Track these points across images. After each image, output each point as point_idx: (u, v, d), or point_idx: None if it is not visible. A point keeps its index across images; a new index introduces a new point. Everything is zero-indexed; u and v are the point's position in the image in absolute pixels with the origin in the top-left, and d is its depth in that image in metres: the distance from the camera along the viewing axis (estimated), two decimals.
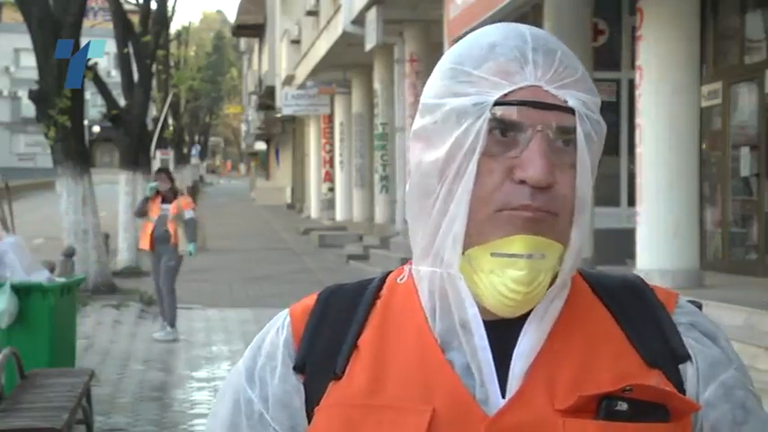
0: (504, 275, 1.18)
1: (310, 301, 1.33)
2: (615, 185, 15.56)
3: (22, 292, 8.33)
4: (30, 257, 8.98)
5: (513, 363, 1.20)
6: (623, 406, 1.17)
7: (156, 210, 12.36)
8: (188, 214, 12.47)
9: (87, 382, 7.32)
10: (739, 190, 12.92)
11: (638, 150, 11.42)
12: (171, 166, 31.33)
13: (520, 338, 1.20)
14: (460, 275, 1.20)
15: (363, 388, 1.22)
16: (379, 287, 1.31)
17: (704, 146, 12.68)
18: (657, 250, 11.12)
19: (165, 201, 12.37)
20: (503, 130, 1.18)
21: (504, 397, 1.19)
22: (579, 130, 1.18)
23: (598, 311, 1.25)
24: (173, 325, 12.28)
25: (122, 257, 19.72)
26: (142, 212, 12.61)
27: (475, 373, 1.20)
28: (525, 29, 1.24)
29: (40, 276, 8.64)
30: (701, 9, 11.62)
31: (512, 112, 1.18)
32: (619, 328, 1.24)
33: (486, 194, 1.18)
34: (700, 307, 1.33)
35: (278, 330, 1.32)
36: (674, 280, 10.84)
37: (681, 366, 1.23)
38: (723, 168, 12.98)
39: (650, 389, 1.17)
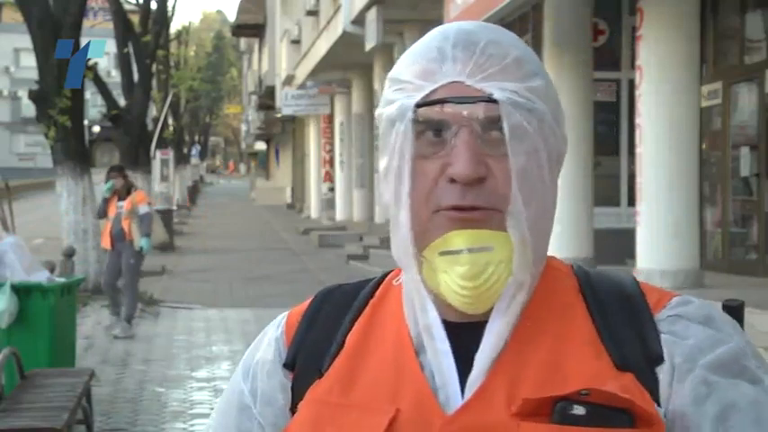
0: (452, 272, 1.18)
1: (308, 301, 1.35)
2: (615, 185, 15.56)
3: (22, 292, 8.33)
4: (30, 257, 8.97)
5: (474, 364, 1.18)
6: (580, 410, 1.13)
7: (113, 208, 12.26)
8: (143, 209, 12.31)
9: (87, 382, 7.32)
10: (739, 190, 12.92)
11: (638, 150, 11.42)
12: (171, 166, 31.33)
13: (483, 339, 1.19)
14: (419, 279, 1.21)
15: (337, 387, 1.23)
16: (375, 288, 1.32)
17: (704, 146, 12.68)
18: (657, 250, 11.12)
19: (120, 198, 12.28)
20: (435, 131, 1.18)
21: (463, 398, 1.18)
22: (504, 121, 1.16)
23: (576, 311, 1.22)
24: (129, 321, 12.25)
25: None
26: (102, 213, 12.48)
27: (436, 375, 1.19)
28: (454, 27, 1.23)
29: (40, 276, 8.64)
30: (701, 9, 11.62)
31: (434, 112, 1.18)
32: (594, 330, 1.20)
33: (424, 196, 1.18)
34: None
35: (275, 328, 1.34)
36: (674, 280, 10.84)
37: (657, 369, 1.18)
38: (723, 168, 12.98)
39: (608, 394, 1.13)
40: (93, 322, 12.97)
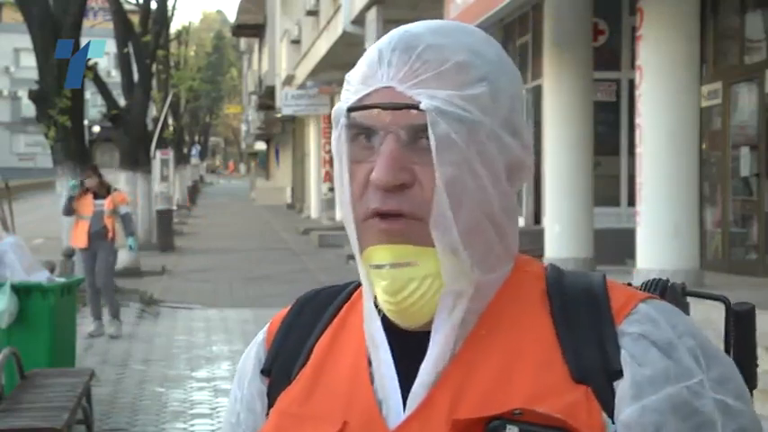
0: (378, 286, 1.17)
1: (290, 306, 1.34)
2: (615, 185, 15.56)
3: (22, 292, 8.33)
4: (30, 257, 8.97)
5: (417, 376, 1.16)
6: (513, 430, 1.11)
7: (89, 207, 12.13)
8: (123, 209, 12.31)
9: (87, 382, 7.32)
10: (739, 190, 12.91)
11: (638, 150, 11.42)
12: (171, 166, 31.34)
13: (428, 350, 1.16)
14: (366, 286, 1.20)
15: (299, 396, 1.22)
16: (352, 293, 1.30)
17: (704, 146, 12.67)
18: (657, 250, 11.12)
19: (97, 197, 12.20)
20: (366, 136, 1.17)
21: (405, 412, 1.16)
22: (429, 130, 1.13)
23: (536, 318, 1.18)
24: (117, 317, 12.22)
25: (122, 257, 19.69)
26: (69, 211, 12.30)
27: (379, 387, 1.18)
28: (402, 29, 1.21)
29: (40, 276, 8.64)
30: (701, 9, 11.62)
31: (365, 117, 1.16)
32: (555, 339, 1.16)
33: (355, 201, 1.17)
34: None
35: (261, 333, 1.34)
36: (674, 280, 10.77)
37: (615, 383, 1.14)
38: (723, 168, 12.98)
39: (540, 414, 1.10)
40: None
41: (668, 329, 1.16)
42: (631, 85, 13.90)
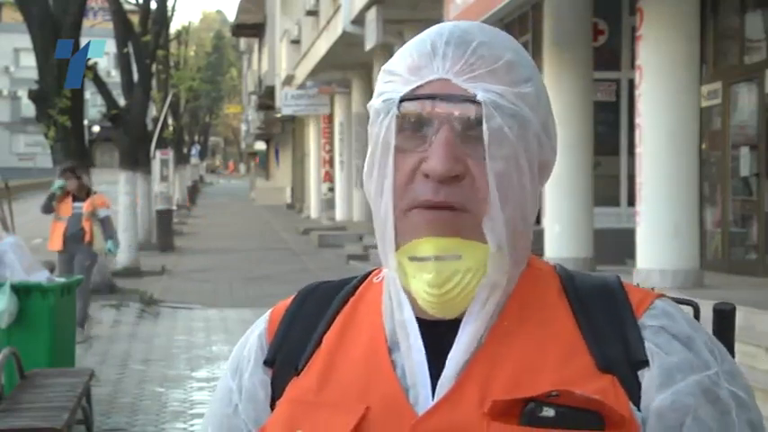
0: (419, 279, 1.18)
1: (292, 297, 1.35)
2: (615, 185, 15.56)
3: (22, 292, 8.32)
4: (30, 257, 8.97)
5: (447, 364, 1.18)
6: (549, 412, 1.13)
7: (67, 209, 12.03)
8: (103, 212, 12.17)
9: (87, 382, 7.32)
10: (739, 190, 12.92)
11: (638, 150, 11.42)
12: (171, 166, 31.32)
13: (456, 339, 1.18)
14: (396, 275, 1.21)
15: (312, 385, 1.23)
16: (358, 285, 1.32)
17: (704, 146, 12.68)
18: (657, 250, 11.12)
19: (76, 199, 12.07)
20: (415, 126, 1.18)
21: (434, 398, 1.17)
22: (484, 123, 1.15)
23: (558, 312, 1.21)
24: (82, 326, 11.68)
25: (122, 257, 19.71)
26: (48, 209, 12.16)
27: (408, 373, 1.19)
28: (451, 24, 1.23)
29: (40, 276, 8.63)
30: (700, 9, 11.62)
31: (418, 107, 1.18)
32: (577, 331, 1.19)
33: (400, 192, 1.18)
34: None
35: (261, 323, 1.33)
36: (674, 280, 10.84)
37: (640, 372, 1.17)
38: (723, 168, 12.98)
39: (577, 396, 1.13)
40: (93, 322, 12.97)
41: (684, 324, 1.20)
42: (631, 85, 13.89)
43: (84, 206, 12.08)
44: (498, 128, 1.16)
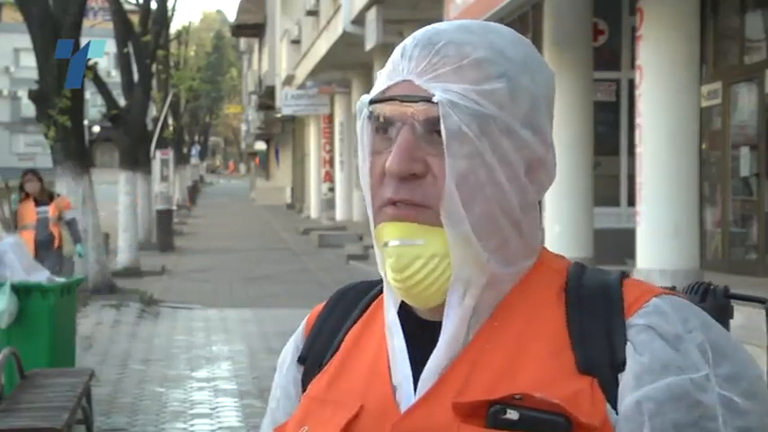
0: (386, 265, 1.22)
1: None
2: (615, 185, 15.56)
3: (22, 292, 8.32)
4: (30, 257, 8.97)
5: (427, 364, 1.19)
6: (513, 414, 1.13)
7: (31, 214, 11.73)
8: (69, 215, 11.94)
9: (87, 382, 7.32)
10: (739, 190, 12.91)
11: (638, 150, 11.42)
12: (171, 166, 31.31)
13: (440, 338, 1.20)
14: (384, 274, 1.24)
15: (326, 382, 1.27)
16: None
17: (704, 146, 12.67)
18: (657, 250, 11.12)
19: (38, 203, 11.78)
20: (384, 128, 1.21)
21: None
22: (441, 122, 1.16)
23: (550, 310, 1.20)
24: None
25: (122, 257, 19.72)
26: (14, 224, 11.64)
27: (394, 373, 1.22)
28: (429, 26, 1.24)
29: (40, 276, 8.63)
30: (700, 9, 11.62)
31: (383, 109, 1.20)
32: (565, 331, 1.18)
33: (374, 191, 1.21)
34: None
35: (302, 323, 1.39)
36: (674, 280, 10.82)
37: (620, 375, 1.15)
38: (723, 168, 12.98)
39: (539, 399, 1.13)
40: (93, 322, 12.97)
41: (677, 323, 1.16)
42: (631, 85, 13.89)
43: (50, 211, 11.85)
44: (456, 126, 1.16)
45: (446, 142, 1.16)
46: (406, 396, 1.20)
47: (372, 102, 1.21)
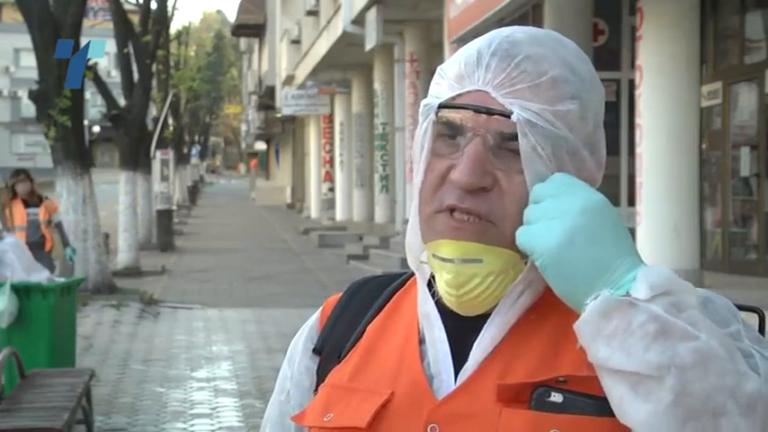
0: (440, 277, 1.22)
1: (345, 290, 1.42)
2: (615, 185, 15.55)
3: (22, 292, 8.32)
4: (30, 257, 8.97)
5: (470, 354, 1.21)
6: (557, 397, 1.15)
7: (21, 216, 11.64)
8: (56, 218, 11.87)
9: (87, 382, 7.32)
10: (739, 190, 12.91)
11: (638, 150, 11.42)
12: (171, 166, 31.30)
13: (482, 332, 1.21)
14: (422, 269, 1.26)
15: (350, 371, 1.28)
16: (407, 279, 1.36)
17: (704, 146, 12.67)
18: (657, 250, 11.12)
19: (28, 205, 11.71)
20: (451, 133, 1.20)
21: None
22: (520, 140, 1.17)
23: None
24: None
25: (122, 257, 19.72)
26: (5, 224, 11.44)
27: (432, 363, 1.23)
28: (504, 33, 1.23)
29: (40, 276, 8.64)
30: (701, 9, 11.62)
31: (454, 116, 1.20)
32: None
33: (428, 194, 1.21)
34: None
35: (314, 315, 1.41)
36: None
37: None
38: (723, 168, 12.98)
39: (584, 380, 1.14)
40: (93, 322, 12.97)
41: (703, 292, 1.23)
42: (631, 85, 13.89)
43: (41, 214, 11.81)
44: (531, 147, 1.17)
45: (523, 160, 1.17)
46: (446, 384, 1.21)
47: (442, 106, 1.21)
